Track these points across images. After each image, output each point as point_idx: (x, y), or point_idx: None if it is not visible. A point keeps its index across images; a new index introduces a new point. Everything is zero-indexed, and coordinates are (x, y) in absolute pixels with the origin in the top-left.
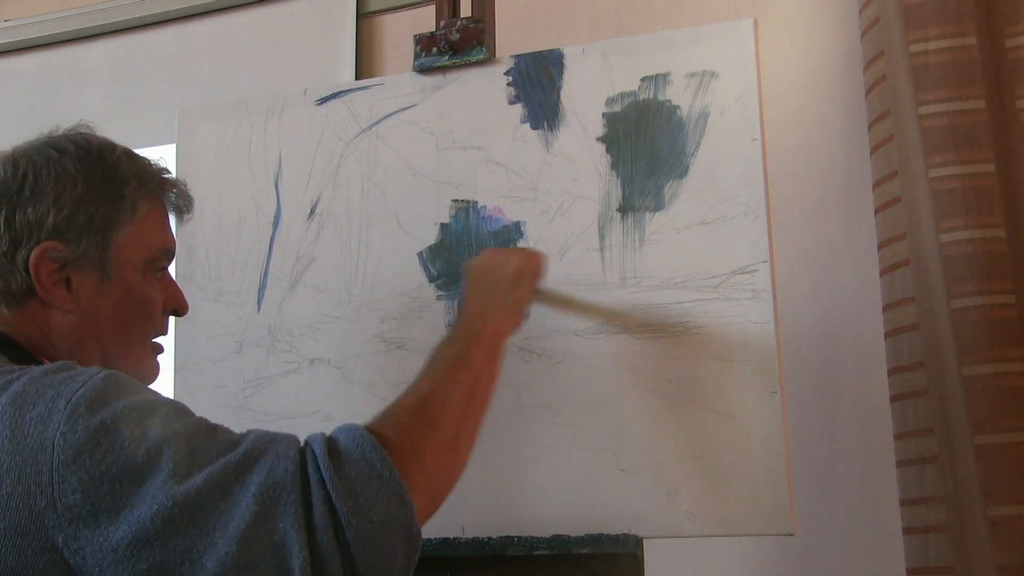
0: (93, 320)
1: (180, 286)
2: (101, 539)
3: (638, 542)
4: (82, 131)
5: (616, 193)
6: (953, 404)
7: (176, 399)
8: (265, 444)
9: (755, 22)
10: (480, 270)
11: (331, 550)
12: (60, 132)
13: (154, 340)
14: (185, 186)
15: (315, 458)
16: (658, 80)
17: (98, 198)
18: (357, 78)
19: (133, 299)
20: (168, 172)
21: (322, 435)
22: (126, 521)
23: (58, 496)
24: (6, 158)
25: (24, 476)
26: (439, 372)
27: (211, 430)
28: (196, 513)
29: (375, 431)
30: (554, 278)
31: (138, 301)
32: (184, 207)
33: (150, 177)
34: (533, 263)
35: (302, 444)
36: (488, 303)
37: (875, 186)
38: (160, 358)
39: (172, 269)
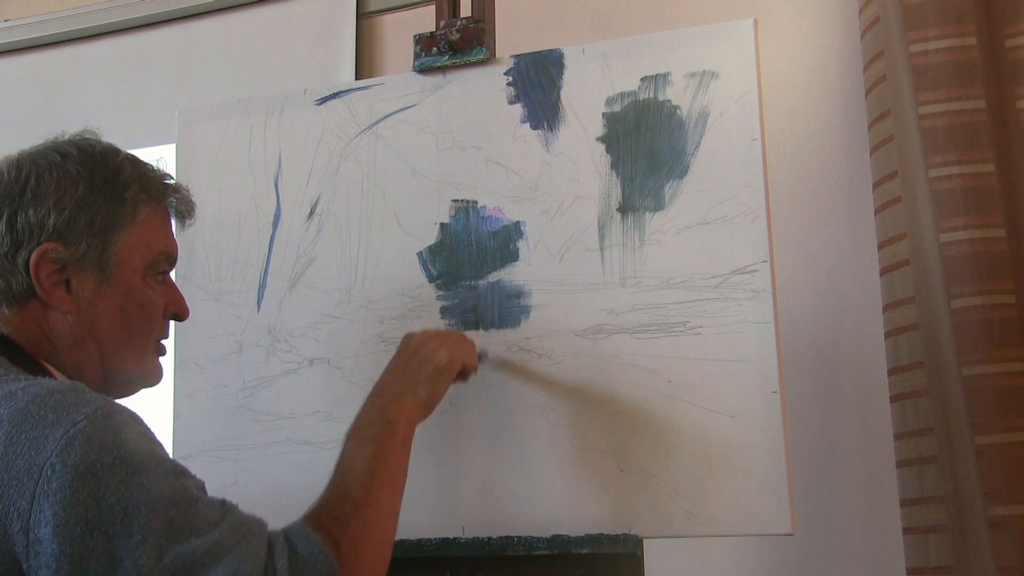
0: (92, 321)
1: (180, 286)
2: None
3: (638, 542)
4: (87, 136)
5: (616, 193)
6: (953, 404)
7: (176, 459)
8: (238, 538)
9: (755, 22)
10: (410, 349)
11: None
12: (65, 137)
13: (161, 343)
14: (187, 191)
15: (276, 570)
16: (658, 80)
17: (99, 201)
18: (357, 78)
19: (133, 301)
20: (170, 177)
21: (284, 541)
22: None
23: (32, 524)
24: (10, 162)
25: (6, 495)
26: (366, 469)
27: (193, 502)
28: None
29: (329, 536)
30: (554, 278)
31: (138, 304)
32: (186, 212)
33: (152, 182)
34: (458, 363)
35: (267, 538)
36: (403, 390)
37: (875, 186)
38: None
39: (172, 271)
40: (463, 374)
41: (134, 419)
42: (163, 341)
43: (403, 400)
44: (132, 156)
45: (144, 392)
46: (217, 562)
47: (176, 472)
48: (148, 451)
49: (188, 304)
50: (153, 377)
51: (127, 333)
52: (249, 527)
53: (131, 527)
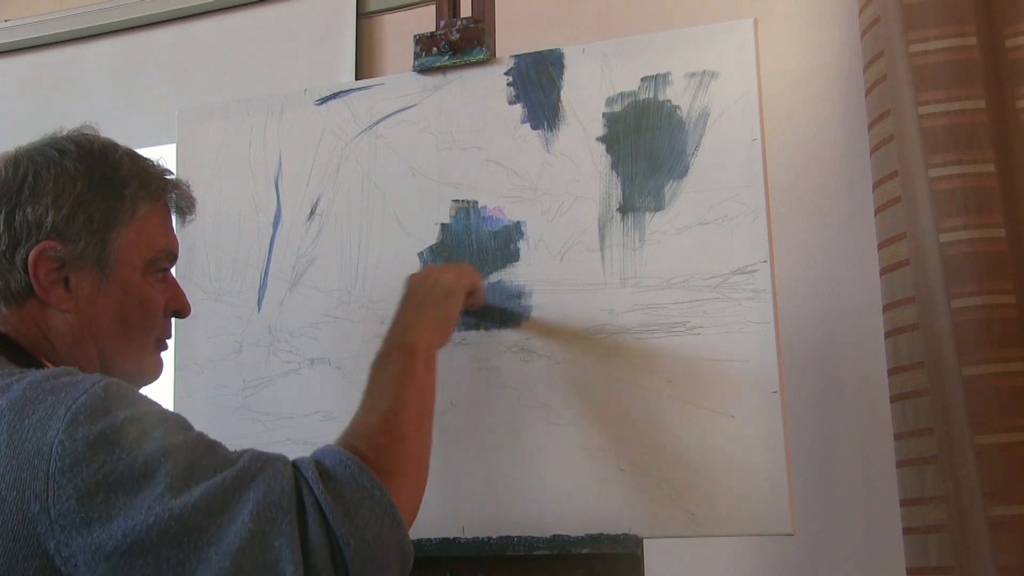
0: (91, 319)
1: (180, 287)
2: (94, 547)
3: (638, 542)
4: (85, 132)
5: (616, 193)
6: (953, 404)
7: (176, 411)
8: (262, 463)
9: (755, 22)
10: (414, 283)
11: (327, 570)
12: (64, 133)
13: (163, 340)
14: (187, 187)
15: (307, 481)
16: (658, 80)
17: (97, 198)
18: (357, 78)
19: (132, 299)
20: (170, 173)
21: (309, 459)
22: (120, 530)
23: (52, 503)
24: (8, 159)
25: (19, 481)
26: (391, 389)
27: (210, 446)
28: (191, 527)
29: (357, 452)
30: (554, 278)
31: (137, 301)
32: (186, 208)
33: (151, 178)
34: (465, 280)
35: (292, 461)
36: (416, 317)
37: (875, 186)
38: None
39: (172, 269)
40: (473, 297)
41: (131, 388)
42: (166, 339)
43: (419, 325)
44: (131, 152)
45: (144, 392)
46: (246, 488)
47: (185, 425)
48: (154, 410)
49: (189, 301)
50: (152, 374)
51: (126, 331)
52: (271, 455)
53: (154, 479)
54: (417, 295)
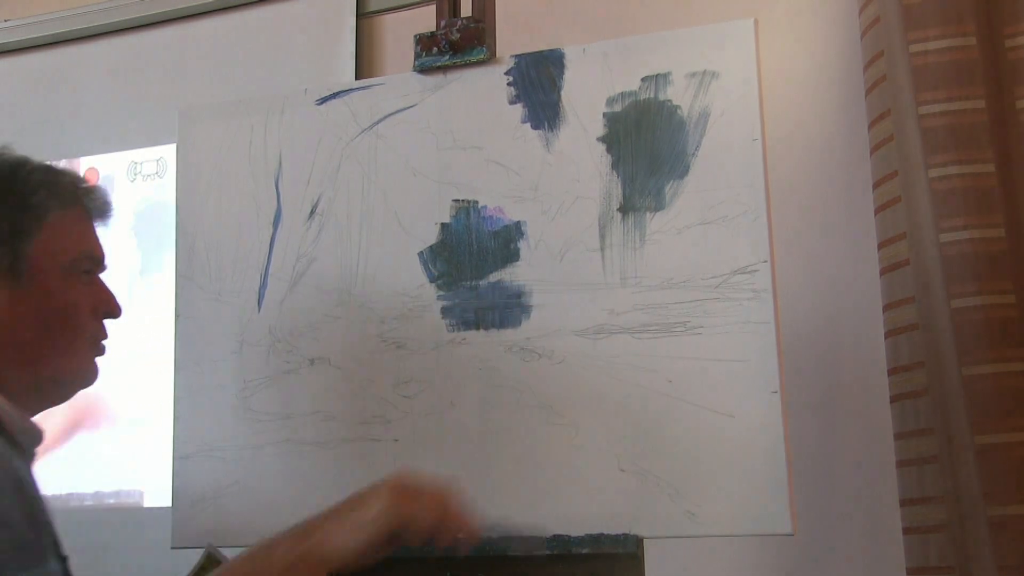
0: (9, 328)
1: (180, 286)
2: None
3: (638, 542)
4: (1, 151)
5: (616, 193)
6: (953, 404)
7: (14, 492)
8: None
9: (755, 22)
10: (363, 489)
11: None
12: None
13: (98, 342)
14: (103, 191)
15: None
16: (658, 80)
17: (3, 209)
18: (357, 78)
19: (51, 305)
20: (83, 182)
21: None
22: None
23: None
24: None
25: None
26: None
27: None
28: None
29: None
30: (554, 278)
31: (57, 307)
32: (103, 211)
33: (61, 187)
34: (396, 518)
35: None
36: (310, 530)
37: (875, 186)
38: (159, 357)
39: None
40: (406, 537)
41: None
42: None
43: (298, 547)
44: (44, 165)
45: (144, 392)
46: None
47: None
48: None
49: (119, 302)
50: (88, 375)
51: (50, 336)
52: None
53: None
54: (342, 507)
